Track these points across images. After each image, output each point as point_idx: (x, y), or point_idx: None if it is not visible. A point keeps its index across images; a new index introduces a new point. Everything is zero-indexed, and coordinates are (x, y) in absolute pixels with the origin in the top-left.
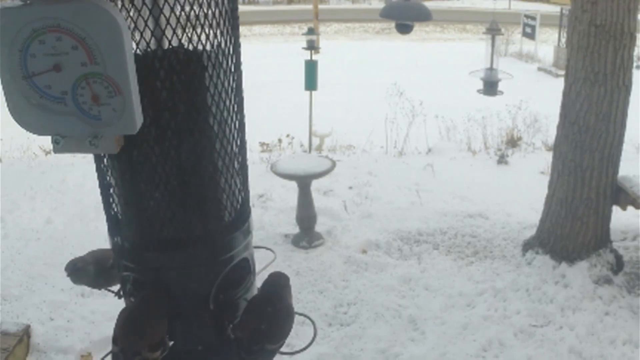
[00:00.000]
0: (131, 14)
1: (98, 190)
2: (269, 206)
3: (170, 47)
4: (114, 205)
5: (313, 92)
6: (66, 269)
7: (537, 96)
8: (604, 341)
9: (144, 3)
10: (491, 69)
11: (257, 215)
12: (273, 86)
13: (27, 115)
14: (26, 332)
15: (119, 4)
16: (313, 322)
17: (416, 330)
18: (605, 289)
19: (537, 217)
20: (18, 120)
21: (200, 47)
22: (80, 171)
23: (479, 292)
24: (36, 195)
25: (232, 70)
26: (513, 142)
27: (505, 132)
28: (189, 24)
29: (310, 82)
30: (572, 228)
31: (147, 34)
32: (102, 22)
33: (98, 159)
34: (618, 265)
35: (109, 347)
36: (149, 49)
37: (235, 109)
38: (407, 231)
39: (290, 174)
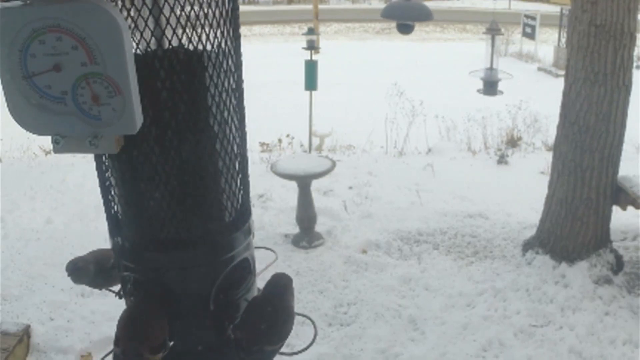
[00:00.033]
0: (131, 14)
1: (98, 190)
2: (269, 206)
3: (171, 47)
4: (114, 205)
5: (313, 92)
6: (67, 268)
7: (537, 96)
8: (604, 341)
9: (144, 3)
10: (491, 69)
11: (257, 215)
12: (273, 86)
13: (27, 115)
14: (26, 332)
15: (119, 4)
16: (313, 323)
17: (416, 330)
18: (605, 289)
19: (537, 217)
20: (18, 120)
21: (200, 47)
22: (80, 171)
23: (479, 292)
24: (36, 195)
25: (233, 70)
26: (513, 142)
27: (505, 132)
28: (189, 24)
29: (310, 82)
30: (572, 228)
31: (147, 34)
32: (102, 22)
33: (98, 159)
34: (618, 265)
35: (109, 347)
36: (149, 49)
37: (236, 109)
38: (407, 231)
39: (290, 174)
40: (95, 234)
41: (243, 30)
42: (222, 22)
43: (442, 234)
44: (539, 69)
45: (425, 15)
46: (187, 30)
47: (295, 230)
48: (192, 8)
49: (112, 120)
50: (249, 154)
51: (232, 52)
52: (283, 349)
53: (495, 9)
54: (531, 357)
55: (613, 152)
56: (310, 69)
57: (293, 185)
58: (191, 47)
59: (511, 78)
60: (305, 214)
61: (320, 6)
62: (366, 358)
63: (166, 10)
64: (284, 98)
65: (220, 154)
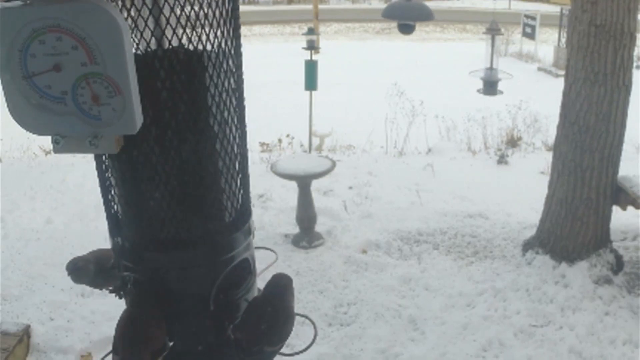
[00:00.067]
0: (131, 14)
1: (98, 190)
2: (269, 206)
3: (171, 47)
4: (114, 205)
5: (313, 92)
6: (67, 268)
7: (537, 96)
8: (604, 341)
9: (144, 3)
10: (491, 68)
11: (257, 215)
12: (273, 86)
13: (27, 115)
14: (26, 332)
15: (119, 4)
16: (313, 323)
17: (416, 330)
18: (605, 289)
19: (537, 217)
20: (18, 120)
21: (200, 47)
22: (80, 171)
23: (479, 292)
24: (36, 195)
25: (233, 70)
26: (513, 142)
27: (505, 132)
28: (189, 24)
29: (310, 82)
30: (572, 228)
31: (147, 34)
32: (102, 22)
33: (98, 159)
34: (618, 265)
35: (109, 347)
36: (149, 49)
37: (236, 109)
38: (407, 231)
39: (290, 174)
40: (95, 234)
41: (243, 30)
42: (222, 22)
43: (442, 234)
44: (539, 69)
45: (425, 15)
46: (187, 30)
47: (295, 230)
48: (192, 8)
49: (112, 120)
50: (249, 154)
51: (232, 52)
52: (283, 349)
53: (495, 9)
54: (531, 357)
55: (613, 152)
56: (310, 69)
57: (293, 185)
58: (191, 47)
59: (511, 78)
60: (305, 214)
61: (320, 6)
62: (366, 358)
63: (166, 10)
64: (284, 98)
65: (220, 154)
